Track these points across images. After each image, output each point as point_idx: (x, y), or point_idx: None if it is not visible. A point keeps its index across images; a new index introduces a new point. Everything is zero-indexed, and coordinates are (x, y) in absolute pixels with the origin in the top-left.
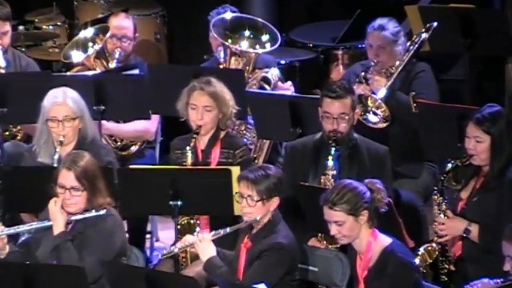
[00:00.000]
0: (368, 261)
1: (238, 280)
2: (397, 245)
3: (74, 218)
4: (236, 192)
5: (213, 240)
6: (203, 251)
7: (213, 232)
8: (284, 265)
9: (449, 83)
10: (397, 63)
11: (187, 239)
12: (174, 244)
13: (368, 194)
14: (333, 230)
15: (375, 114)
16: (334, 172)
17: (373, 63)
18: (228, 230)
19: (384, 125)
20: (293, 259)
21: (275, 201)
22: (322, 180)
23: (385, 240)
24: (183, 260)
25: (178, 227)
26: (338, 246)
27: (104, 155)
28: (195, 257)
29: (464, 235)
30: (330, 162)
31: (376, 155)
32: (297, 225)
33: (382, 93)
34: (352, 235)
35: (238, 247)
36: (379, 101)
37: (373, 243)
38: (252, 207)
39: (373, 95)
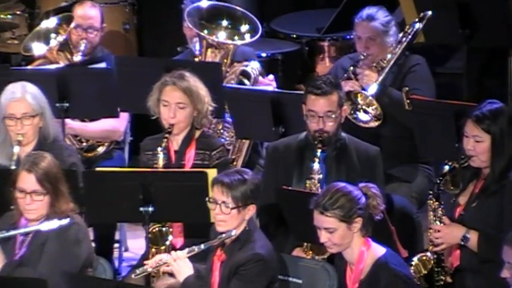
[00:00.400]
0: (359, 273)
1: None
2: (391, 255)
3: (33, 228)
4: (209, 198)
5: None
6: (180, 271)
7: (187, 249)
8: (265, 277)
9: (446, 77)
10: (389, 56)
11: (162, 257)
12: (144, 255)
13: (363, 199)
14: (323, 237)
15: (366, 112)
16: (321, 176)
17: (362, 57)
18: (202, 246)
19: (376, 123)
20: (273, 270)
21: (251, 210)
22: (307, 185)
23: (379, 250)
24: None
25: (149, 235)
26: (325, 257)
27: (67, 156)
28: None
29: (462, 243)
30: (316, 165)
31: (367, 156)
32: (279, 234)
33: (373, 89)
34: (343, 244)
35: (211, 259)
36: (370, 97)
37: (366, 253)
38: (226, 214)
39: (363, 91)
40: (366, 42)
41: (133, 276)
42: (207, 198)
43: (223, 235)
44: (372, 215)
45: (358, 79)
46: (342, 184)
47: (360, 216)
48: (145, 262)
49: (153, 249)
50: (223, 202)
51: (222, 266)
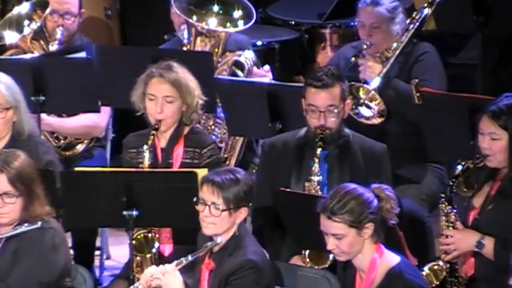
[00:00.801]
0: (371, 282)
1: None
2: (406, 265)
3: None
4: (197, 198)
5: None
6: (169, 285)
7: (175, 262)
8: (259, 286)
9: (459, 68)
10: (395, 45)
11: (151, 271)
12: (128, 263)
13: (375, 202)
14: (330, 244)
15: (368, 107)
16: (320, 178)
17: (365, 46)
18: (189, 257)
19: (379, 120)
20: (267, 278)
21: (243, 213)
22: (306, 187)
23: (392, 258)
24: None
25: (134, 242)
26: (326, 267)
27: (43, 153)
28: None
29: (477, 250)
30: (315, 166)
31: (372, 154)
32: (274, 240)
33: (375, 83)
34: (352, 252)
35: (198, 269)
36: (373, 92)
37: (378, 261)
38: (215, 217)
39: (365, 85)
40: (370, 29)
41: None
42: (194, 199)
43: (209, 244)
44: (385, 219)
45: (360, 71)
46: (352, 186)
47: (372, 221)
48: (139, 282)
49: (138, 258)
50: (213, 203)
51: (211, 275)
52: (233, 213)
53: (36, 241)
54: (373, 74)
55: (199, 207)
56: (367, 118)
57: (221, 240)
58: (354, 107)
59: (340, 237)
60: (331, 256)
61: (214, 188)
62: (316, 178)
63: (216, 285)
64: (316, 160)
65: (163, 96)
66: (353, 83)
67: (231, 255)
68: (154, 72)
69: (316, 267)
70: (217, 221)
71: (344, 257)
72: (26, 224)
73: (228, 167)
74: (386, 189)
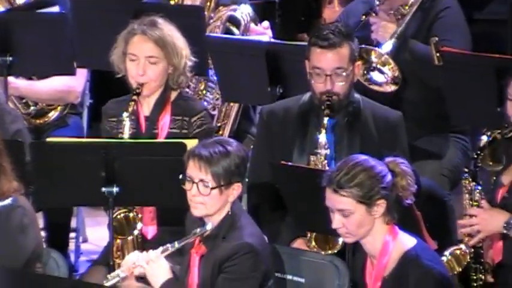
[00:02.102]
0: (383, 268)
1: None
2: (423, 248)
3: None
4: (183, 175)
5: None
6: (154, 275)
7: (160, 249)
8: (258, 272)
9: (486, 25)
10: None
11: (134, 258)
12: (107, 247)
13: (389, 177)
14: (336, 221)
15: (381, 72)
16: (328, 151)
17: (378, 2)
18: (176, 244)
19: (392, 88)
20: (266, 264)
21: (236, 189)
22: (312, 162)
23: (407, 241)
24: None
25: (114, 223)
26: (334, 252)
27: (10, 122)
28: None
29: (505, 232)
30: (322, 138)
31: (386, 123)
32: (274, 221)
33: (388, 46)
34: (360, 232)
35: (188, 254)
36: (385, 56)
37: (391, 244)
38: (205, 196)
39: (376, 48)
40: None
41: (105, 283)
42: (180, 176)
43: (198, 230)
44: (399, 198)
45: (372, 30)
46: (363, 157)
47: (384, 197)
48: (120, 269)
49: (118, 241)
50: (201, 180)
51: (202, 261)
52: (224, 191)
53: (1, 221)
54: (387, 34)
55: (186, 186)
56: (380, 84)
57: (212, 225)
58: (365, 72)
59: (347, 214)
60: (340, 240)
61: (202, 162)
62: (323, 151)
63: (208, 273)
64: (323, 131)
65: (145, 57)
66: (363, 46)
67: (225, 238)
68: (136, 29)
69: (324, 252)
70: (207, 200)
71: (351, 238)
72: None
73: (217, 138)
74: (402, 163)
